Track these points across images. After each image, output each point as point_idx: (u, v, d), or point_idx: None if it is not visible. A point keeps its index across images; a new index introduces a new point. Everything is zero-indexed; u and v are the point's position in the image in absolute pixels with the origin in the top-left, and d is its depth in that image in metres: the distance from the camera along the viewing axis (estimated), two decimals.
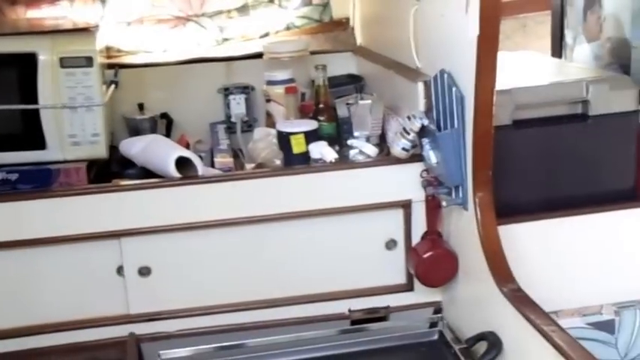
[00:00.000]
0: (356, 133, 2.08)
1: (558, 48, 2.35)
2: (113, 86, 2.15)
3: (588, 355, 1.37)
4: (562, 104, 1.94)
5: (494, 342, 1.68)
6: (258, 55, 2.44)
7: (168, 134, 2.37)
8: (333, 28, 2.62)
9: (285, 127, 2.08)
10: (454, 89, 1.74)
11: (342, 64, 2.54)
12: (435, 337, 1.92)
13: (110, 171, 2.06)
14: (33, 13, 2.38)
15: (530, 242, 1.90)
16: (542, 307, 1.64)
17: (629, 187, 1.98)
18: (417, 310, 2.07)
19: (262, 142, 2.12)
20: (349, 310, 2.05)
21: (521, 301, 1.61)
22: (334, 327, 2.00)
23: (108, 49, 2.41)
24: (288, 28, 2.56)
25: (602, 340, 1.89)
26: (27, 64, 1.92)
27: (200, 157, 2.03)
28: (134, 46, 2.49)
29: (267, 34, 2.55)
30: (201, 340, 1.96)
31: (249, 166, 2.09)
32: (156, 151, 2.00)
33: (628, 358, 1.90)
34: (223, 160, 2.13)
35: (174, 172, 1.91)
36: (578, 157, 1.95)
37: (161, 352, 1.90)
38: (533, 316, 1.54)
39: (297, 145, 2.02)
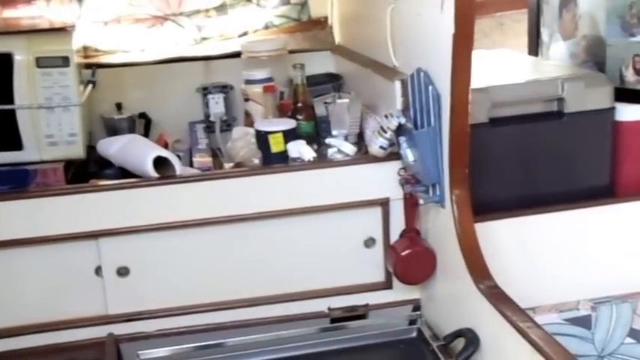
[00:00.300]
0: (334, 132, 2.09)
1: (535, 46, 2.37)
2: (90, 86, 2.14)
3: (563, 351, 1.39)
4: (538, 102, 1.95)
5: (471, 339, 1.69)
6: (237, 55, 2.44)
7: (146, 134, 2.37)
8: (311, 27, 2.62)
9: (264, 126, 2.08)
10: (430, 87, 1.75)
11: (321, 63, 2.55)
12: (414, 334, 1.92)
13: (88, 171, 2.05)
14: (9, 13, 2.36)
15: (508, 239, 1.91)
16: (520, 304, 1.65)
17: (605, 183, 2.00)
18: (396, 308, 2.08)
19: (241, 142, 2.12)
20: (328, 309, 2.05)
21: (497, 297, 1.62)
22: (314, 325, 2.00)
23: (85, 48, 2.41)
24: (266, 27, 2.56)
25: (578, 335, 1.90)
26: (2, 64, 1.91)
27: (178, 156, 2.03)
28: (112, 46, 2.48)
29: (245, 33, 2.55)
30: (181, 340, 1.95)
31: (227, 166, 2.09)
32: (134, 150, 1.99)
33: (604, 353, 1.91)
34: (202, 159, 2.12)
35: (152, 171, 1.90)
36: (555, 154, 1.96)
37: (140, 352, 1.89)
38: (509, 312, 1.55)
39: (276, 144, 2.03)
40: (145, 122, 2.40)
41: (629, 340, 1.92)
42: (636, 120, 1.96)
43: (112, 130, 2.30)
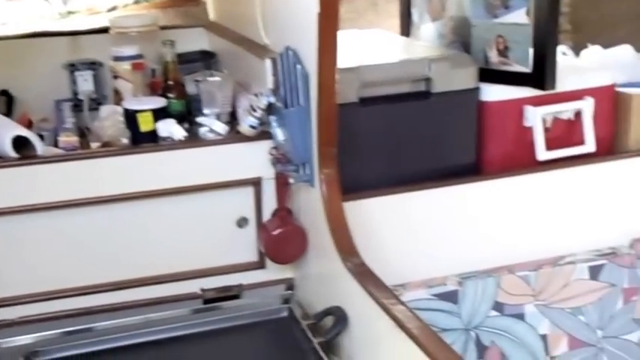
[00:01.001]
0: (206, 111, 2.05)
1: (406, 26, 2.39)
2: None
3: (423, 325, 1.42)
4: (406, 82, 1.98)
5: (340, 317, 1.71)
6: (105, 30, 2.36)
7: (8, 113, 2.25)
8: (184, 3, 2.57)
9: (132, 104, 2.02)
10: (299, 67, 1.74)
11: (194, 40, 2.49)
12: (285, 313, 1.92)
13: None
14: None
15: (378, 217, 1.93)
16: (391, 280, 1.68)
17: (471, 162, 2.06)
18: (270, 288, 2.07)
19: (109, 120, 2.05)
20: (201, 290, 2.03)
21: (364, 275, 1.64)
22: (186, 307, 1.98)
23: None
24: (137, 2, 2.49)
25: (446, 310, 1.96)
26: None
27: (41, 136, 1.94)
28: None
29: (114, 8, 2.47)
30: (47, 327, 1.88)
31: (94, 145, 2.02)
32: None
33: (470, 326, 1.98)
34: (67, 139, 2.04)
35: (11, 152, 1.82)
36: (423, 133, 2.00)
37: (1, 340, 1.81)
38: (374, 290, 1.57)
39: (145, 123, 1.97)
40: (7, 100, 2.28)
41: (493, 312, 1.99)
42: (500, 100, 2.02)
43: None
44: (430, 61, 1.97)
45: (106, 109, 2.13)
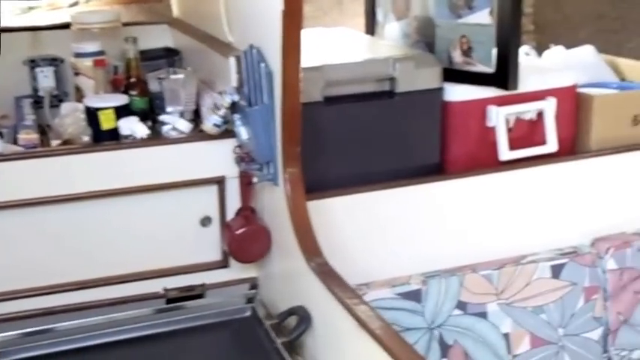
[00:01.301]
0: (169, 109, 2.03)
1: (371, 25, 2.40)
2: None
3: (386, 325, 1.42)
4: (371, 81, 1.98)
5: (303, 316, 1.70)
6: (67, 26, 2.32)
7: None
8: None
9: (93, 102, 1.99)
10: (262, 65, 1.73)
11: (158, 37, 2.46)
12: (248, 313, 1.92)
13: None
14: None
15: (342, 216, 1.93)
16: (355, 280, 1.68)
17: (435, 161, 2.06)
18: (234, 287, 2.06)
19: (69, 118, 2.02)
20: (164, 289, 2.01)
21: (327, 275, 1.64)
22: (149, 307, 1.96)
23: None
24: None
25: (409, 309, 1.96)
26: None
27: (1, 133, 1.92)
28: None
29: (76, 3, 2.43)
30: (7, 327, 1.85)
31: (54, 143, 1.99)
32: None
33: (434, 325, 1.98)
34: (27, 136, 2.01)
35: None
36: (387, 133, 2.00)
37: None
38: (337, 289, 1.57)
39: (106, 121, 1.95)
40: None
41: (457, 311, 2.00)
42: (463, 100, 2.03)
43: None
44: (394, 60, 1.97)
45: (66, 107, 2.11)
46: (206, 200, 2.00)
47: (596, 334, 2.13)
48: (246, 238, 1.92)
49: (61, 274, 1.92)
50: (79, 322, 1.87)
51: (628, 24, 3.23)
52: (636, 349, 2.17)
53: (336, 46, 2.23)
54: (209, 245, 2.03)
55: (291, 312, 1.75)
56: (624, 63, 2.50)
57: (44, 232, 1.89)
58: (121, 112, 1.97)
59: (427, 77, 1.99)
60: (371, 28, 2.40)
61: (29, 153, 1.89)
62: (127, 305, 1.97)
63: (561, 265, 2.07)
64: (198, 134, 1.98)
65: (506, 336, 2.04)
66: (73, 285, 1.94)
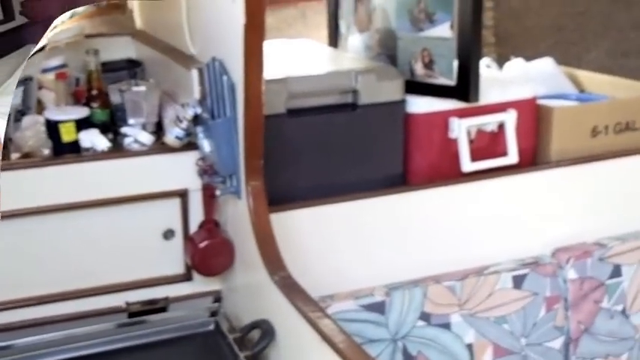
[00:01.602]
0: (130, 121, 2.01)
1: (334, 37, 2.40)
2: None
3: (349, 339, 1.42)
4: (333, 93, 1.98)
5: (266, 330, 1.69)
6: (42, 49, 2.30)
7: None
8: (110, 11, 2.52)
9: (54, 114, 1.97)
10: (225, 77, 1.73)
11: (121, 49, 2.45)
12: (212, 327, 1.90)
13: None
14: None
15: (306, 228, 1.94)
16: (319, 292, 1.68)
17: (398, 172, 2.07)
18: (197, 300, 2.05)
19: (30, 131, 1.99)
20: (126, 303, 1.99)
21: (290, 288, 1.63)
22: (111, 321, 1.94)
23: None
24: (72, 16, 2.42)
25: (373, 320, 1.96)
26: None
27: None
28: None
29: (54, 27, 2.40)
30: None
31: (14, 156, 1.96)
32: None
33: (398, 337, 1.99)
34: None
35: None
36: (350, 145, 2.00)
37: None
38: (300, 302, 1.56)
39: (67, 134, 1.93)
40: None
41: (420, 322, 2.00)
42: (425, 112, 2.04)
43: None
44: (357, 73, 1.98)
45: (27, 120, 2.07)
46: (169, 213, 1.98)
47: (557, 343, 2.15)
48: (209, 251, 1.91)
49: (19, 289, 1.89)
50: (39, 338, 1.84)
51: (587, 36, 3.29)
52: (597, 358, 2.20)
53: (299, 58, 2.23)
54: (172, 258, 2.01)
55: (254, 325, 1.74)
56: (583, 75, 2.54)
57: (2, 246, 1.86)
58: (82, 124, 1.96)
59: (389, 90, 2.00)
60: (334, 40, 2.41)
61: None
62: (88, 320, 1.94)
63: (523, 276, 2.09)
64: (160, 147, 1.97)
65: (469, 346, 2.05)
66: (32, 300, 1.91)
